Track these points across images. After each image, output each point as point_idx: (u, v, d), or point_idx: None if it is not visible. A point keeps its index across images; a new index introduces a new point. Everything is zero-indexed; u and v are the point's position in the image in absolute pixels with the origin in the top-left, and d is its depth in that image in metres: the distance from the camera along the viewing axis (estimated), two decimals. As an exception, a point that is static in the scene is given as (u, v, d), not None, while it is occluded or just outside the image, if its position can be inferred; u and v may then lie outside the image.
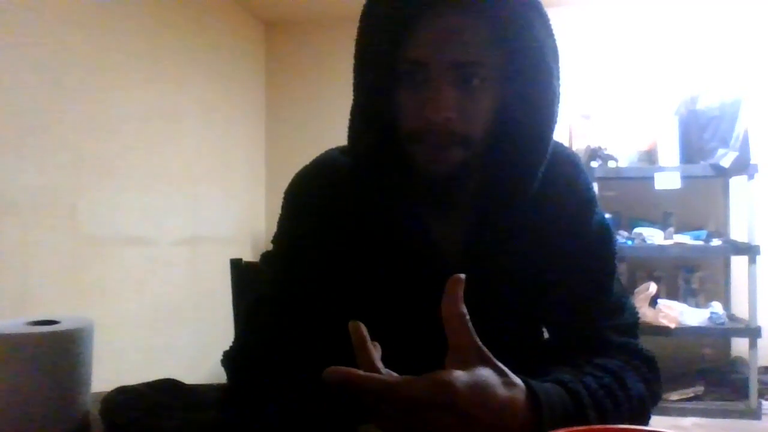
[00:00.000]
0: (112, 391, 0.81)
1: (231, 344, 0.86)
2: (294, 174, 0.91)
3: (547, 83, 0.76)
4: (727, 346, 3.56)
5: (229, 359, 0.83)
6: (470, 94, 0.74)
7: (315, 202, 0.85)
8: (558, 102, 0.78)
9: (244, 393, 0.78)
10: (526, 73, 0.75)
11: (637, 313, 0.86)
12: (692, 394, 3.21)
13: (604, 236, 0.86)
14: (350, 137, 0.83)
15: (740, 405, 3.15)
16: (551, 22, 0.77)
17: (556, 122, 0.79)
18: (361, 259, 0.83)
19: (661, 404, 3.03)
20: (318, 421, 0.69)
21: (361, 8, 0.79)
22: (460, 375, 0.55)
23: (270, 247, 0.90)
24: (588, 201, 0.86)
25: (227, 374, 0.82)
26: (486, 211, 0.82)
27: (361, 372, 0.56)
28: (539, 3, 0.76)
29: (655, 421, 0.76)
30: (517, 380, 0.60)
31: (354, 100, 0.81)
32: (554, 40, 0.77)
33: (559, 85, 0.77)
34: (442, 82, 0.73)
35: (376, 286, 0.83)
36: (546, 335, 0.92)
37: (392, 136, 0.78)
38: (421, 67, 0.73)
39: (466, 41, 0.72)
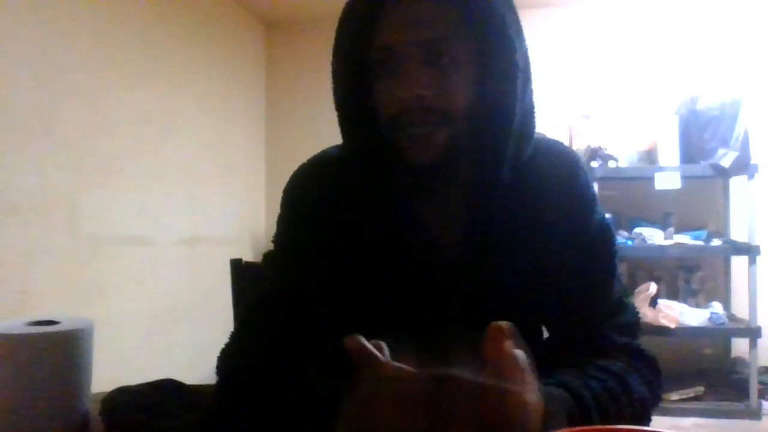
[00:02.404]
0: (112, 391, 0.81)
1: (226, 342, 0.85)
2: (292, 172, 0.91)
3: (509, 57, 0.77)
4: (727, 346, 3.56)
5: (223, 357, 0.82)
6: (442, 71, 0.75)
7: (313, 199, 0.85)
8: (521, 73, 0.78)
9: (234, 393, 0.77)
10: (492, 49, 0.76)
11: (638, 312, 0.86)
12: (692, 395, 3.21)
13: (605, 235, 0.86)
14: (341, 132, 0.84)
15: (740, 405, 3.15)
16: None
17: (523, 93, 0.79)
18: (361, 256, 0.83)
19: (661, 404, 3.02)
20: (307, 423, 0.68)
21: None
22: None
23: (270, 245, 0.90)
24: (588, 200, 0.86)
25: (216, 371, 0.82)
26: (480, 201, 0.81)
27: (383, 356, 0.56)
28: (512, 3, 0.78)
29: (656, 421, 0.76)
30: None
31: (333, 95, 0.82)
32: (516, 14, 0.78)
33: (522, 58, 0.78)
34: (411, 62, 0.74)
35: (377, 282, 0.83)
36: (546, 334, 0.91)
37: (375, 128, 0.79)
38: (390, 52, 0.75)
39: (432, 21, 0.74)
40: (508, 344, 0.55)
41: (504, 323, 0.55)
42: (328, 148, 0.92)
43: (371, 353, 0.54)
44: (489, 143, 0.79)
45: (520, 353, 0.56)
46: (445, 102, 0.75)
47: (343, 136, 0.84)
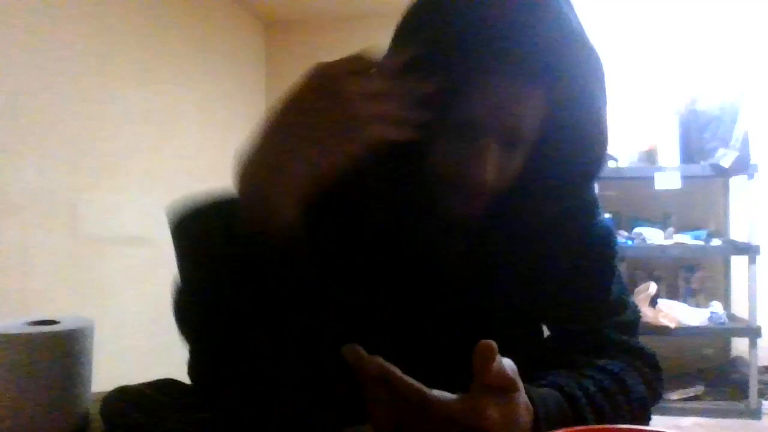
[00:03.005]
0: (112, 391, 0.81)
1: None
2: None
3: (589, 146, 0.74)
4: (727, 345, 3.56)
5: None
6: (511, 155, 0.72)
7: (316, 200, 0.85)
8: (601, 161, 0.75)
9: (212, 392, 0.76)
10: (570, 133, 0.73)
11: (639, 311, 0.87)
12: (692, 394, 3.21)
13: (607, 237, 0.86)
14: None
15: (740, 405, 3.15)
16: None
17: (592, 180, 0.77)
18: (359, 262, 0.83)
19: (661, 404, 3.03)
20: (302, 423, 0.69)
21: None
22: (494, 404, 0.57)
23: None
24: (590, 202, 0.86)
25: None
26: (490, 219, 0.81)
27: (400, 372, 0.56)
28: (603, 70, 0.71)
29: (656, 420, 0.76)
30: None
31: None
32: (606, 100, 0.73)
33: (605, 142, 0.74)
34: (489, 147, 0.70)
35: (375, 288, 0.83)
36: (546, 333, 0.92)
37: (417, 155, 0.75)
38: (469, 125, 0.70)
39: (523, 112, 0.69)
40: (498, 360, 0.57)
41: (491, 342, 0.57)
42: None
43: (393, 373, 0.55)
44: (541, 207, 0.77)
45: (509, 363, 0.58)
46: (501, 183, 0.73)
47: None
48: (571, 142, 0.73)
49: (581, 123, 0.72)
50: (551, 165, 0.75)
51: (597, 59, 0.70)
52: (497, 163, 0.71)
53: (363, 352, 0.56)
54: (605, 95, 0.73)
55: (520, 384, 0.60)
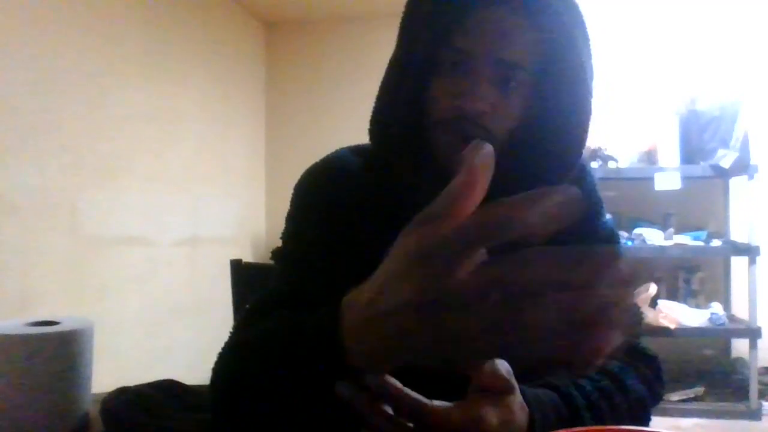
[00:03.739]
0: (112, 391, 0.81)
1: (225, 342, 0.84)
2: (299, 171, 0.90)
3: (581, 100, 0.77)
4: (728, 346, 3.56)
5: (220, 354, 0.78)
6: (506, 94, 0.75)
7: (323, 198, 0.85)
8: (588, 121, 0.78)
9: (227, 392, 0.75)
10: (561, 86, 0.76)
11: (641, 313, 0.87)
12: (692, 395, 3.21)
13: (611, 239, 0.86)
14: (377, 125, 0.81)
15: (740, 406, 3.15)
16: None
17: (583, 141, 0.79)
18: (370, 256, 0.83)
19: (661, 405, 3.02)
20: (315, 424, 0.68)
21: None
22: (492, 410, 0.57)
23: (270, 245, 0.89)
24: (595, 203, 0.86)
25: (213, 371, 0.76)
26: None
27: (400, 385, 0.56)
28: (585, 25, 0.77)
29: (656, 421, 0.76)
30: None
31: (386, 87, 0.80)
32: (592, 62, 0.78)
33: (590, 104, 0.78)
34: (482, 77, 0.73)
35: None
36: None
37: (420, 127, 0.78)
38: (465, 57, 0.74)
39: (514, 41, 0.73)
40: (492, 362, 0.57)
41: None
42: (339, 150, 0.90)
43: (393, 386, 0.55)
44: (533, 170, 0.78)
45: (503, 364, 0.58)
46: (496, 125, 0.75)
47: (380, 129, 0.81)
48: (560, 103, 0.76)
49: (568, 82, 0.76)
50: (544, 129, 0.77)
51: (579, 13, 0.77)
52: (492, 97, 0.73)
53: (355, 390, 0.55)
54: (592, 62, 0.78)
55: (515, 385, 0.60)
